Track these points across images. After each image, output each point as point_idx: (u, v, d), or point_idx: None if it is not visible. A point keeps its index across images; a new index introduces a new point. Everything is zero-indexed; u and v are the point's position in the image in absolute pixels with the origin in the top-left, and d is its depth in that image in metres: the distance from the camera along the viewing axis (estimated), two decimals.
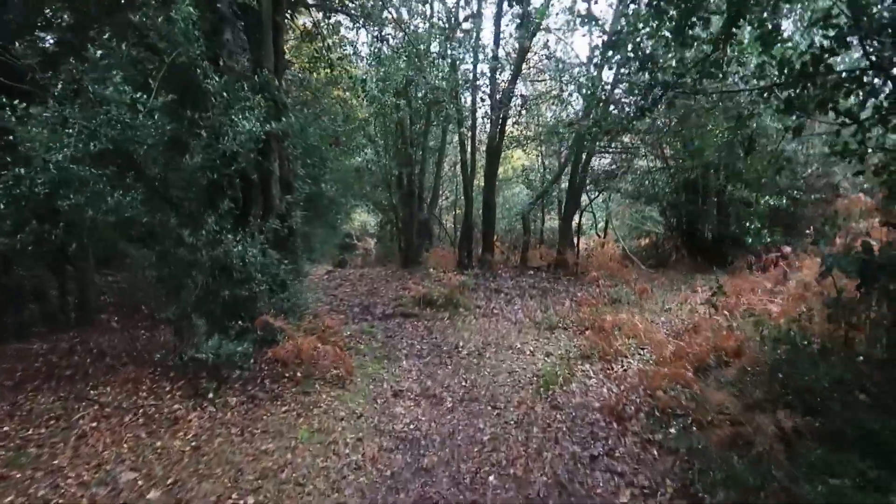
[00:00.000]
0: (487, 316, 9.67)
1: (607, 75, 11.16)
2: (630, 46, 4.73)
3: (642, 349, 7.15)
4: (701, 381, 5.52)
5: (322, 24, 10.91)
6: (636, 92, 5.01)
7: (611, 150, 13.36)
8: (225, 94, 5.95)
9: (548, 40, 13.56)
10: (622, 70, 5.74)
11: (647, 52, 4.58)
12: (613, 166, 14.57)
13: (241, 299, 6.57)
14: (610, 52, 4.71)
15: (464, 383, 6.65)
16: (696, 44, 4.56)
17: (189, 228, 6.12)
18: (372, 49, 12.17)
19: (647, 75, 4.78)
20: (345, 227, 25.96)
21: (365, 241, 25.09)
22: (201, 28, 6.12)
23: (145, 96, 5.52)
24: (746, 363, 5.42)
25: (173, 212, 6.21)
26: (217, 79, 5.97)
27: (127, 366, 6.88)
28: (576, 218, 15.04)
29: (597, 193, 15.35)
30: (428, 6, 13.96)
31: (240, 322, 6.46)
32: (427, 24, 12.37)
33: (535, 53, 13.57)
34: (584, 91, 10.13)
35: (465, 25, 12.40)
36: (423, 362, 7.47)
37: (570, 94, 13.04)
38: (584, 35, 11.69)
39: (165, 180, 6.21)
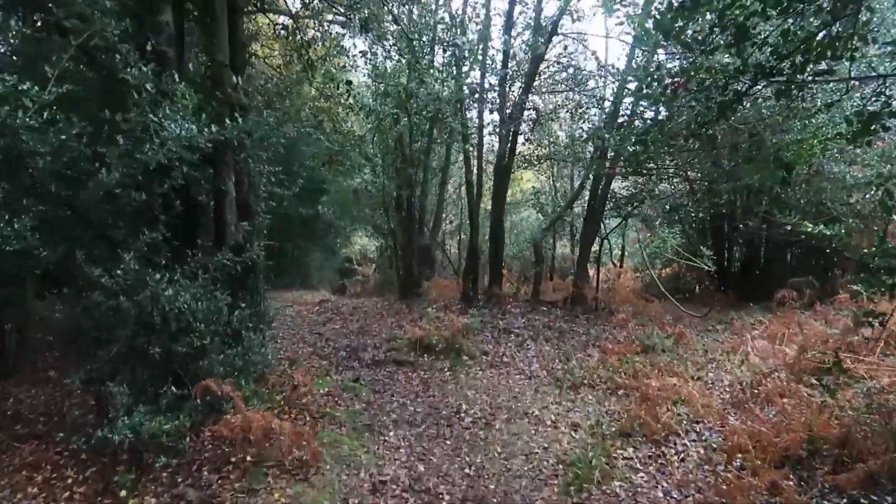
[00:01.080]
0: (496, 366, 8.06)
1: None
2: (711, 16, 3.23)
3: (697, 423, 5.52)
4: (803, 492, 3.89)
5: (301, 21, 9.46)
6: (711, 83, 3.52)
7: (636, 170, 11.84)
8: (150, 87, 4.46)
9: (566, 45, 12.09)
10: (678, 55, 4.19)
11: (740, 21, 3.08)
12: (635, 189, 12.98)
13: (176, 357, 5.03)
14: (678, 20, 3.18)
15: (467, 470, 5.05)
16: (813, 9, 3.07)
17: (102, 266, 4.61)
18: (368, 57, 10.82)
19: (731, 57, 3.29)
20: (344, 251, 24.52)
21: (366, 265, 23.56)
22: (130, 4, 4.71)
23: (36, 88, 4.05)
24: (877, 467, 3.78)
25: (79, 244, 4.69)
26: (143, 68, 4.48)
27: (32, 441, 5.33)
28: (594, 246, 13.44)
29: (620, 219, 13.71)
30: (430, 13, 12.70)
31: (174, 388, 4.92)
32: (429, 29, 10.96)
33: (549, 63, 12.05)
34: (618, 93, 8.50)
35: (472, 30, 10.97)
36: (415, 433, 5.86)
37: (593, 106, 11.57)
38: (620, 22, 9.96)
39: (73, 202, 4.71)
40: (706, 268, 8.51)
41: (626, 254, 19.57)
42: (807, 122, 9.58)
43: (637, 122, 6.38)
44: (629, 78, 9.94)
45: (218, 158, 5.57)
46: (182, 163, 4.88)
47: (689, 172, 11.92)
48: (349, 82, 7.42)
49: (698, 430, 5.37)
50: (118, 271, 4.53)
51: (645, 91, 4.07)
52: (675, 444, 5.12)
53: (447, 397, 6.87)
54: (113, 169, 4.52)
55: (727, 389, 6.47)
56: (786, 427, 4.57)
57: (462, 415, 6.30)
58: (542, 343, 9.32)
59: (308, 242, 22.76)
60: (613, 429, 5.61)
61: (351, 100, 8.80)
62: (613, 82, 11.36)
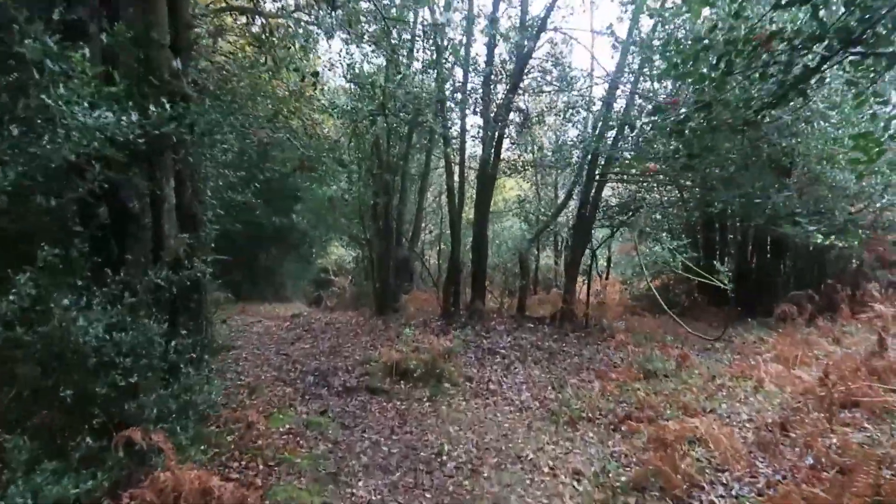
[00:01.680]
0: (481, 395, 7.18)
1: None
2: None
3: (721, 471, 4.70)
4: None
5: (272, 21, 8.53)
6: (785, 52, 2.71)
7: (632, 176, 11.09)
8: (52, 63, 3.52)
9: (555, 42, 11.33)
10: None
11: None
12: (627, 197, 12.23)
13: (96, 400, 4.08)
14: None
15: None
16: None
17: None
18: (343, 57, 9.96)
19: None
20: (320, 261, 23.50)
21: (343, 276, 22.52)
22: None
23: None
24: None
25: None
26: (46, 40, 3.56)
27: None
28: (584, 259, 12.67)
29: (611, 229, 12.94)
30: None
31: (89, 439, 3.96)
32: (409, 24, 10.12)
33: (539, 61, 11.26)
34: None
35: (454, 25, 10.15)
36: (389, 483, 4.94)
37: (584, 108, 10.82)
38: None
39: None
40: (722, 286, 7.72)
41: (612, 265, 18.92)
42: (822, 122, 8.98)
43: (680, 108, 5.43)
44: (636, 54, 9.18)
45: (153, 157, 4.64)
46: (102, 161, 3.95)
47: (682, 180, 11.20)
48: (315, 73, 6.46)
49: (724, 480, 4.54)
50: (11, 296, 3.57)
51: (675, 66, 3.22)
52: (702, 500, 4.28)
53: (427, 434, 5.97)
54: (7, 167, 3.58)
55: (747, 426, 5.66)
56: (840, 484, 3.75)
57: (444, 458, 5.40)
58: (530, 366, 8.48)
59: (281, 252, 21.85)
60: (623, 479, 4.75)
61: (321, 95, 7.90)
62: (604, 82, 10.65)
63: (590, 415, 6.29)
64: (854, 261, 14.35)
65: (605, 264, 18.30)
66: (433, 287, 16.09)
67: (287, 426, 5.96)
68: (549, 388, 7.39)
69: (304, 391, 7.49)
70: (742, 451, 4.92)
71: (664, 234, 10.80)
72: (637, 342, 9.25)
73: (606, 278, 17.63)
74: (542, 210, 17.08)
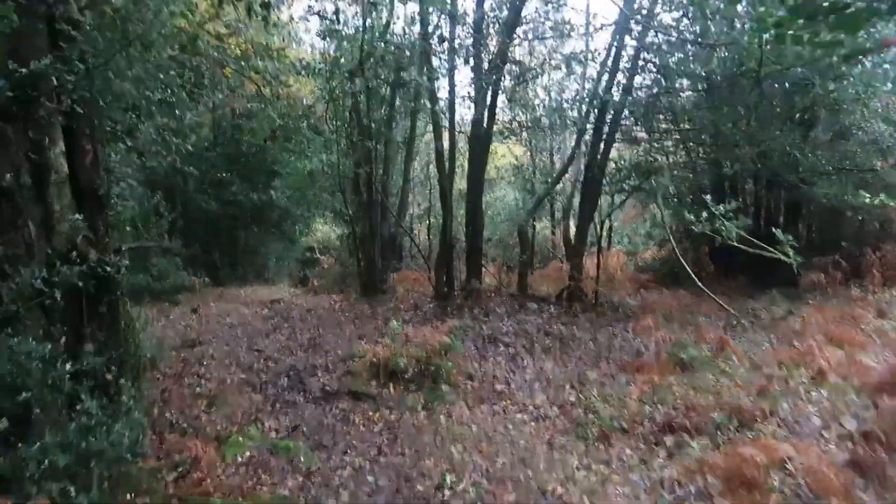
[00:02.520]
0: (487, 400, 5.96)
1: None
2: None
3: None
4: None
5: None
6: None
7: (648, 130, 9.82)
8: None
9: None
10: None
11: None
12: (642, 158, 10.87)
13: None
14: None
15: None
16: None
17: None
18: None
19: None
20: (304, 239, 22.16)
21: (329, 255, 21.13)
22: None
23: None
24: None
25: None
26: None
27: None
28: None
29: (627, 193, 11.54)
30: None
31: None
32: None
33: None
34: None
35: None
36: None
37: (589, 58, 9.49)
38: None
39: None
40: (788, 260, 6.52)
41: (612, 234, 17.68)
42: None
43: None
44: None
45: (31, 111, 3.31)
46: None
47: (704, 136, 9.93)
48: (266, 4, 5.03)
49: None
50: None
51: None
52: None
53: (423, 458, 4.77)
54: None
55: (825, 436, 4.50)
56: None
57: (446, 492, 4.21)
58: (540, 357, 7.29)
59: (262, 232, 20.63)
60: None
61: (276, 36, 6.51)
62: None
63: (623, 424, 5.10)
64: (875, 223, 13.20)
65: (606, 234, 17.09)
66: (424, 265, 14.82)
67: (247, 454, 4.73)
68: (568, 386, 6.20)
69: (276, 398, 6.27)
70: (834, 476, 3.76)
71: (707, 198, 9.40)
72: (665, 324, 8.05)
73: (609, 249, 16.42)
74: (539, 177, 15.76)
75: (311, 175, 13.80)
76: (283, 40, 9.11)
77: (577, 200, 13.03)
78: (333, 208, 15.34)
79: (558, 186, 14.64)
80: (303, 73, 9.86)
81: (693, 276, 9.07)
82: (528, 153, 16.76)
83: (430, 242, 16.19)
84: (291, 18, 10.86)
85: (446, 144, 10.56)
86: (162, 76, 4.42)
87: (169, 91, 4.62)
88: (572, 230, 12.88)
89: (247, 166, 19.44)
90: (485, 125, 9.90)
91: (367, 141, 11.23)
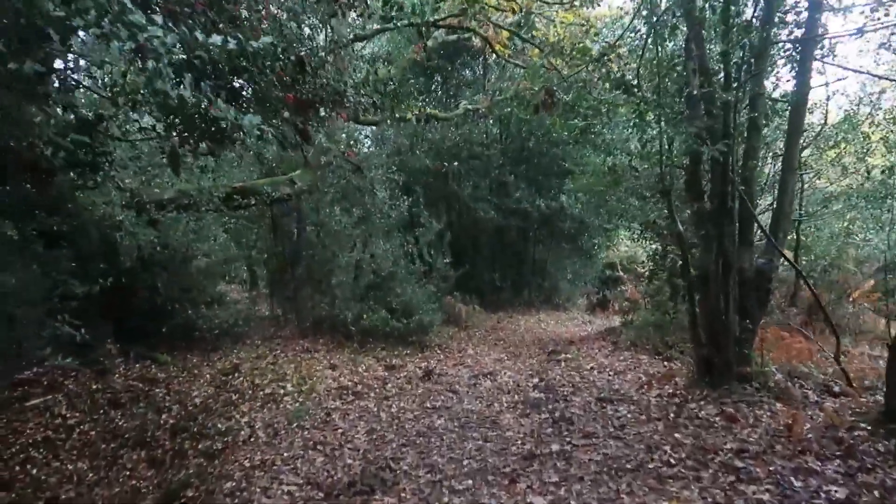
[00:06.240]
0: None
1: None
2: None
3: None
4: None
5: None
6: None
7: None
8: None
9: None
10: None
11: None
12: None
13: None
14: None
15: None
16: None
17: None
18: None
19: None
20: (603, 255, 18.21)
21: (634, 271, 15.76)
22: None
23: None
24: None
25: None
26: None
27: None
28: None
29: None
30: None
31: None
32: None
33: None
34: None
35: None
36: None
37: None
38: None
39: None
40: None
41: None
42: None
43: None
44: None
45: None
46: None
47: None
48: None
49: None
50: None
51: None
52: None
53: None
54: None
55: None
56: None
57: None
58: None
59: (552, 246, 17.02)
60: None
61: None
62: None
63: None
64: None
65: None
66: (806, 320, 8.47)
67: None
68: None
69: None
70: None
71: None
72: None
73: None
74: None
75: (611, 171, 8.84)
76: None
77: None
78: (643, 218, 10.15)
79: None
80: None
81: None
82: None
83: (814, 280, 9.11)
84: None
85: None
86: None
87: None
88: None
89: (537, 167, 15.48)
90: None
91: (723, 97, 5.93)
